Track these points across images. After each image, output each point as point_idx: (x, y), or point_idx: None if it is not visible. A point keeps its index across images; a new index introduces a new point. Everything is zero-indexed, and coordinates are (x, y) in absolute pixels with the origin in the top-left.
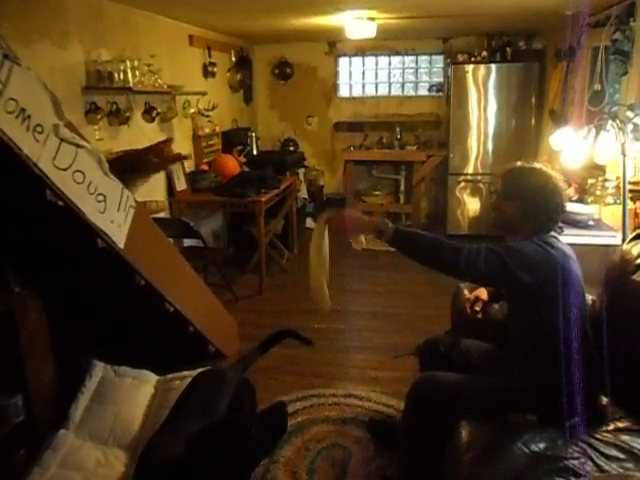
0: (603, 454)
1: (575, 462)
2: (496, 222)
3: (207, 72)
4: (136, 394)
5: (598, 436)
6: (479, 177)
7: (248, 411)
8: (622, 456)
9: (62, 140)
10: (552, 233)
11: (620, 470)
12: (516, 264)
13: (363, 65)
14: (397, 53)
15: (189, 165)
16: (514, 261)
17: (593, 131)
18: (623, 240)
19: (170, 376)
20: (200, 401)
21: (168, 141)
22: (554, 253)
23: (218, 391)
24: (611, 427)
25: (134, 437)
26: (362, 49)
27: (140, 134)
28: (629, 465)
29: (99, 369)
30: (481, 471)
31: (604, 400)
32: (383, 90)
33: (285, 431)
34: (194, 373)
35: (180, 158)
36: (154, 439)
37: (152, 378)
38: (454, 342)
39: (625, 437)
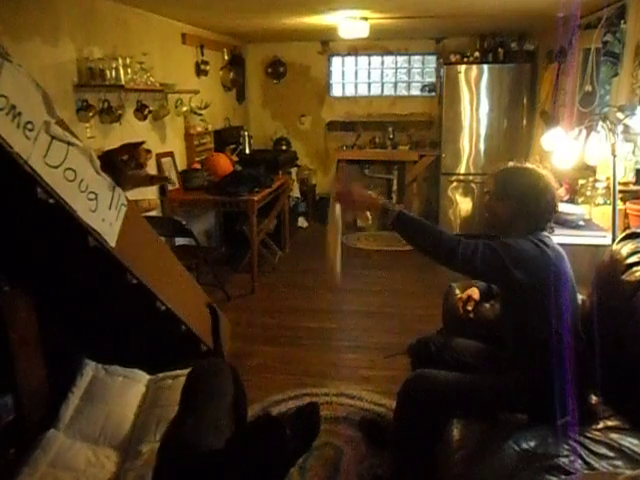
0: (593, 452)
1: (565, 460)
2: (489, 222)
3: (200, 70)
4: (127, 393)
5: (588, 434)
6: (471, 177)
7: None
8: (611, 454)
9: (53, 138)
10: (545, 233)
11: (609, 468)
12: (512, 261)
13: (356, 65)
14: (390, 53)
15: (181, 163)
16: (510, 258)
17: (584, 132)
18: (613, 240)
19: (161, 375)
20: (208, 387)
21: (141, 144)
22: (549, 252)
23: (220, 374)
24: (601, 425)
25: (125, 436)
26: (355, 49)
27: (132, 132)
28: (618, 463)
29: (90, 368)
30: (472, 469)
31: (594, 399)
32: (376, 90)
33: (318, 432)
34: (186, 372)
35: (162, 179)
36: (180, 430)
37: (143, 377)
38: (446, 341)
39: (614, 435)
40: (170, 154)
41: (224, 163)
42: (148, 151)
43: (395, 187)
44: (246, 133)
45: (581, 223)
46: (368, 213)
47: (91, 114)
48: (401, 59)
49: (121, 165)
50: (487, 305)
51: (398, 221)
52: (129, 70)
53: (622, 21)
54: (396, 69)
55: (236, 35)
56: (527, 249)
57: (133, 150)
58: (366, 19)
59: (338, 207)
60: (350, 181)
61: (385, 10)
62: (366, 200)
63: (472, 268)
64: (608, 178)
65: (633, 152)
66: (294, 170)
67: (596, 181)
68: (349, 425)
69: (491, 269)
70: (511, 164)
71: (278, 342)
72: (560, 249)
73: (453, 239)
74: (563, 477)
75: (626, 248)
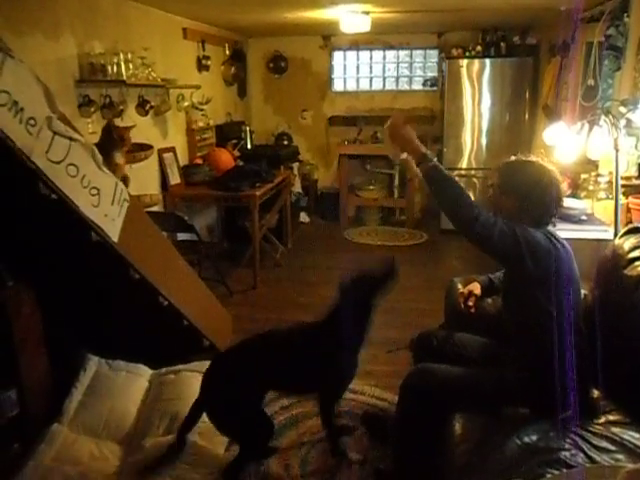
0: (594, 446)
1: (567, 454)
2: None
3: (201, 65)
4: (130, 388)
5: (589, 428)
6: (473, 172)
7: None
8: (613, 448)
9: (55, 133)
10: (549, 227)
11: (611, 461)
12: (529, 252)
13: (357, 59)
14: (391, 47)
15: (183, 159)
16: (526, 244)
17: (586, 126)
18: (615, 235)
19: (164, 370)
20: None
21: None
22: (558, 246)
23: None
24: (602, 420)
25: (128, 430)
26: (356, 43)
27: (134, 127)
28: (620, 457)
29: (93, 363)
30: (474, 463)
31: (595, 393)
32: (377, 84)
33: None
34: (188, 367)
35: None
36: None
37: (146, 372)
38: (448, 336)
39: (616, 429)
40: (172, 149)
41: (226, 158)
42: (149, 146)
43: (397, 182)
44: (248, 128)
45: (583, 218)
46: (405, 154)
47: (93, 109)
48: (403, 53)
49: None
50: (489, 300)
51: (430, 172)
52: (130, 65)
53: (625, 15)
54: (398, 63)
55: (237, 30)
56: (540, 240)
57: (106, 136)
58: (367, 13)
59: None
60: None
61: (387, 4)
62: (410, 142)
63: (488, 236)
64: (610, 172)
65: (636, 146)
66: (296, 165)
67: (598, 175)
68: (351, 419)
69: (506, 245)
70: (515, 158)
71: None
72: (566, 244)
73: (477, 206)
74: (565, 471)
75: (628, 243)
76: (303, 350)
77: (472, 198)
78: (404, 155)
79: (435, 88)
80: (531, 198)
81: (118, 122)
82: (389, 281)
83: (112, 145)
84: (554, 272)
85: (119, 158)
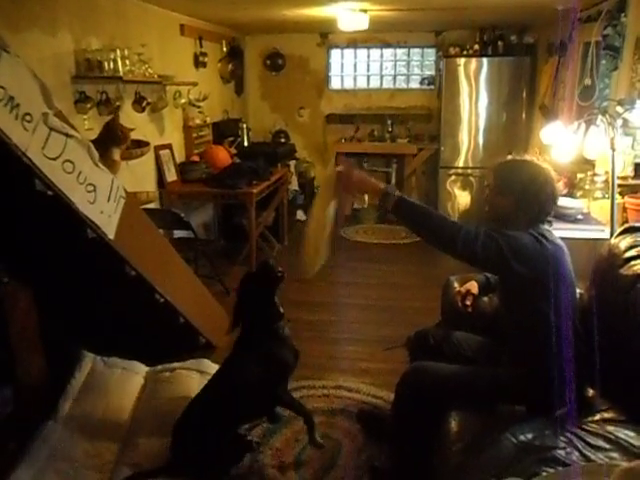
0: (589, 444)
1: (562, 452)
2: (489, 216)
3: (198, 62)
4: (126, 385)
5: (585, 427)
6: (470, 170)
7: None
8: (608, 446)
9: (51, 129)
10: (545, 226)
11: (606, 460)
12: (511, 253)
13: (355, 57)
14: (389, 45)
15: (180, 156)
16: (510, 250)
17: (583, 126)
18: (611, 234)
19: (160, 367)
20: None
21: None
22: (548, 246)
23: None
24: (597, 418)
25: (124, 428)
26: (354, 41)
27: (130, 124)
28: (615, 455)
29: (89, 360)
30: (470, 461)
31: (591, 391)
32: (375, 82)
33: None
34: (184, 365)
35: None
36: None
37: (142, 369)
38: (444, 334)
39: (611, 428)
40: (169, 146)
41: (223, 156)
42: (146, 143)
43: (394, 180)
44: (245, 125)
45: (579, 217)
46: (366, 196)
47: (89, 106)
48: (400, 52)
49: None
50: (485, 299)
51: (397, 207)
52: (127, 61)
53: (622, 14)
54: (395, 62)
55: (235, 26)
56: (526, 242)
57: (108, 131)
58: (365, 11)
59: (333, 203)
60: (351, 165)
61: (384, 2)
62: (367, 184)
63: (472, 254)
64: (607, 172)
65: (632, 146)
66: (293, 163)
67: (595, 175)
68: (347, 417)
69: (490, 258)
70: (511, 157)
71: None
72: (561, 243)
73: (455, 225)
74: (560, 469)
75: (624, 242)
76: (241, 382)
77: (446, 215)
78: (365, 198)
79: (432, 87)
80: (526, 197)
81: None
82: (274, 282)
83: (112, 141)
84: (544, 271)
85: (116, 155)
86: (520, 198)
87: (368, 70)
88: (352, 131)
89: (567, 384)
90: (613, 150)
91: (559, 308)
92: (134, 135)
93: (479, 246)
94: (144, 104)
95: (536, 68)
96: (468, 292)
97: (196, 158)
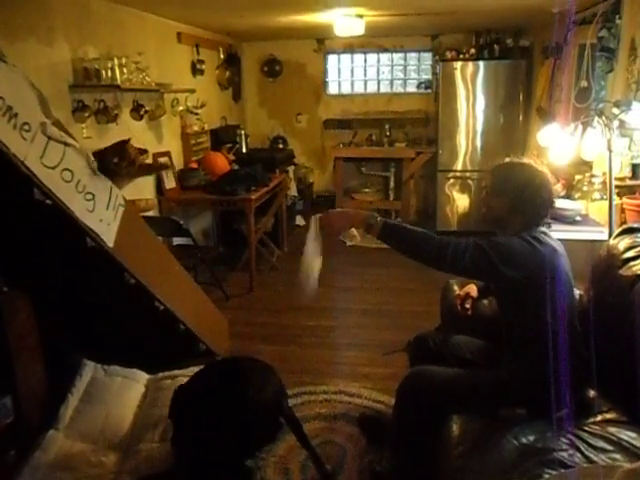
0: (591, 446)
1: (564, 454)
2: (486, 218)
3: (196, 70)
4: (127, 393)
5: (586, 428)
6: (468, 174)
7: None
8: (609, 447)
9: (50, 138)
10: (542, 228)
11: (608, 461)
12: (501, 260)
13: (352, 62)
14: (386, 50)
15: (178, 163)
16: (499, 257)
17: (580, 127)
18: (610, 235)
19: (161, 375)
20: None
21: (127, 141)
22: (541, 249)
23: None
24: (598, 419)
25: (124, 436)
26: (351, 46)
27: (128, 132)
28: (616, 456)
29: (89, 369)
30: (471, 464)
31: (591, 393)
32: (372, 87)
33: None
34: (185, 372)
35: (160, 168)
36: None
37: (143, 377)
38: (444, 338)
39: (612, 429)
40: (167, 154)
41: (221, 162)
42: (144, 151)
43: (392, 184)
44: (243, 132)
45: (578, 218)
46: (353, 230)
47: (87, 114)
48: (397, 56)
49: (113, 167)
50: (485, 301)
51: (383, 232)
52: (125, 70)
53: (617, 16)
54: (392, 66)
55: (232, 34)
56: (515, 246)
57: (121, 150)
58: (361, 16)
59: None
60: (326, 210)
61: (380, 7)
62: (346, 218)
63: (462, 268)
64: (604, 173)
65: (629, 147)
66: (291, 168)
67: (592, 176)
68: (348, 422)
69: (481, 268)
70: (508, 160)
71: (276, 340)
72: (556, 245)
73: (441, 242)
74: (562, 471)
75: (623, 243)
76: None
77: (433, 234)
78: (355, 232)
79: (429, 90)
80: (522, 200)
81: (113, 127)
82: None
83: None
84: (537, 274)
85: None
86: (515, 200)
87: (365, 75)
88: (350, 136)
89: (565, 386)
90: (610, 151)
91: (555, 310)
92: (133, 143)
93: (467, 260)
94: (142, 112)
95: (532, 71)
96: (467, 295)
97: (194, 165)
